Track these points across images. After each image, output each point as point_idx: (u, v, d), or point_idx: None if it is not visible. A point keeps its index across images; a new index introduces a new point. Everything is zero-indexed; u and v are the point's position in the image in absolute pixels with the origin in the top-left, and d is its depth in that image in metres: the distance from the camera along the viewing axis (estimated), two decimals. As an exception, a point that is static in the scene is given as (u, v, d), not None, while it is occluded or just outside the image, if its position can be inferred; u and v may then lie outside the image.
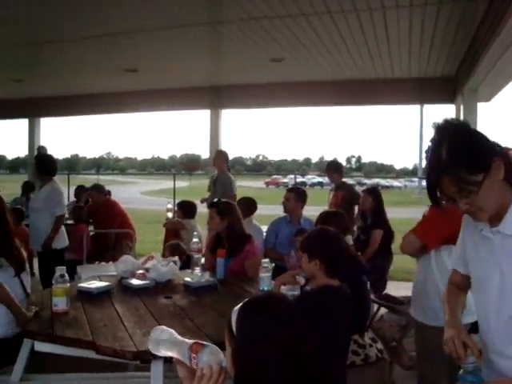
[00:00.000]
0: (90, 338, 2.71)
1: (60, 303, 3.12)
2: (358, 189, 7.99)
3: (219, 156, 7.80)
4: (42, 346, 2.93)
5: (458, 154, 1.62)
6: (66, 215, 7.44)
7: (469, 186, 1.62)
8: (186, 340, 1.52)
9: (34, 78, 8.83)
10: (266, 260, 3.83)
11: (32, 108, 11.01)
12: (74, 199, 8.78)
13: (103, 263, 6.93)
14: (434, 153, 1.67)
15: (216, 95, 9.31)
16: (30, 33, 5.90)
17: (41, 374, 3.39)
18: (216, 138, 9.69)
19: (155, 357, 2.52)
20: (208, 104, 9.64)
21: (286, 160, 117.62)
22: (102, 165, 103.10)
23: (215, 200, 4.86)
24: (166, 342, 1.56)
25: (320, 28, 5.48)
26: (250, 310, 1.46)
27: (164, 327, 1.61)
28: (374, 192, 6.19)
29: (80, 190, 8.63)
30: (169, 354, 1.55)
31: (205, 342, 1.49)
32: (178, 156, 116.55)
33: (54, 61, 7.44)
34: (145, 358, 2.55)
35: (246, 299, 1.51)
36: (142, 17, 5.24)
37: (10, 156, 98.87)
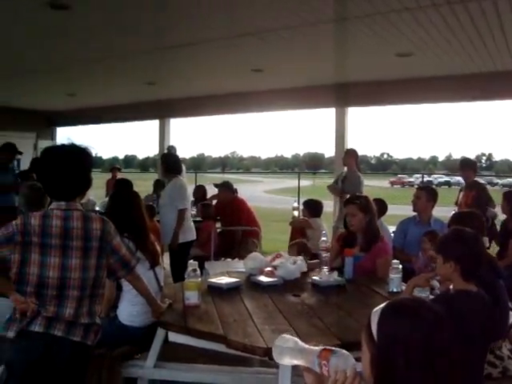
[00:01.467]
0: (221, 332, 2.78)
1: (192, 297, 3.24)
2: (490, 189, 7.52)
3: (349, 154, 7.71)
4: (175, 337, 3.06)
5: None
6: (194, 212, 7.71)
7: None
8: (313, 347, 1.49)
9: (165, 81, 9.24)
10: (396, 261, 3.71)
11: (163, 109, 11.55)
12: (193, 198, 8.93)
13: (229, 260, 7.10)
14: None
15: (341, 93, 9.18)
16: (161, 38, 6.18)
17: (171, 362, 3.55)
18: (342, 137, 9.55)
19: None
20: (333, 102, 9.53)
21: (411, 158, 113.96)
22: (227, 164, 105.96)
23: (350, 196, 4.80)
24: (291, 350, 1.54)
25: (451, 19, 5.22)
26: (392, 313, 1.39)
27: (288, 336, 1.59)
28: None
29: (199, 188, 8.85)
30: (294, 362, 1.53)
31: (333, 348, 1.45)
32: (302, 155, 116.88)
33: (184, 64, 7.74)
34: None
35: (388, 301, 1.45)
36: (269, 17, 5.30)
37: (141, 155, 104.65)
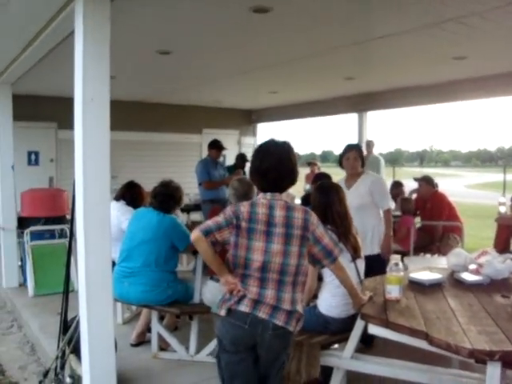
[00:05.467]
0: (424, 328, 2.71)
1: (393, 291, 3.22)
2: None
3: None
4: (375, 330, 3.06)
5: None
6: (393, 207, 7.60)
7: None
8: None
9: (363, 75, 9.18)
10: None
11: (361, 103, 11.49)
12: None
13: (428, 255, 6.90)
14: None
15: None
16: (362, 31, 6.14)
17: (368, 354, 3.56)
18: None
19: (492, 358, 2.41)
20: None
21: None
22: (424, 157, 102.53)
23: None
24: None
25: None
26: None
27: None
28: None
29: (397, 186, 8.63)
30: None
31: None
32: (507, 147, 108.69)
33: (383, 56, 7.60)
34: (480, 358, 2.44)
35: None
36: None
37: (337, 151, 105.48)
